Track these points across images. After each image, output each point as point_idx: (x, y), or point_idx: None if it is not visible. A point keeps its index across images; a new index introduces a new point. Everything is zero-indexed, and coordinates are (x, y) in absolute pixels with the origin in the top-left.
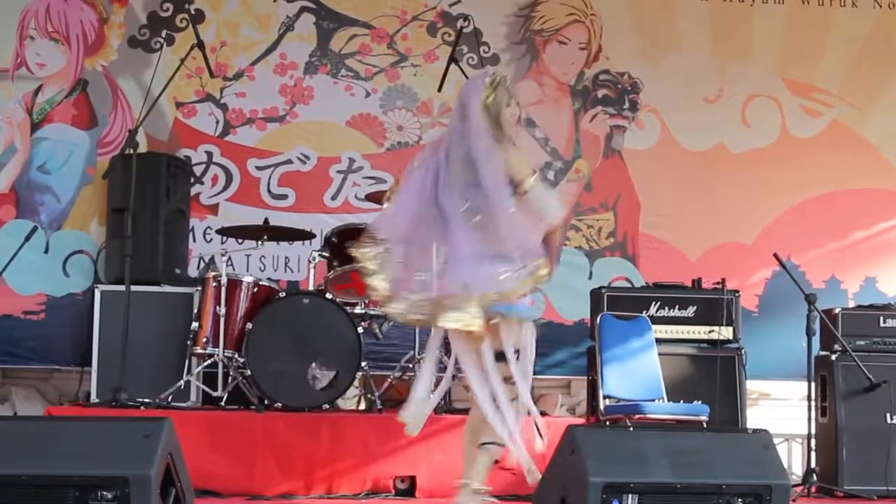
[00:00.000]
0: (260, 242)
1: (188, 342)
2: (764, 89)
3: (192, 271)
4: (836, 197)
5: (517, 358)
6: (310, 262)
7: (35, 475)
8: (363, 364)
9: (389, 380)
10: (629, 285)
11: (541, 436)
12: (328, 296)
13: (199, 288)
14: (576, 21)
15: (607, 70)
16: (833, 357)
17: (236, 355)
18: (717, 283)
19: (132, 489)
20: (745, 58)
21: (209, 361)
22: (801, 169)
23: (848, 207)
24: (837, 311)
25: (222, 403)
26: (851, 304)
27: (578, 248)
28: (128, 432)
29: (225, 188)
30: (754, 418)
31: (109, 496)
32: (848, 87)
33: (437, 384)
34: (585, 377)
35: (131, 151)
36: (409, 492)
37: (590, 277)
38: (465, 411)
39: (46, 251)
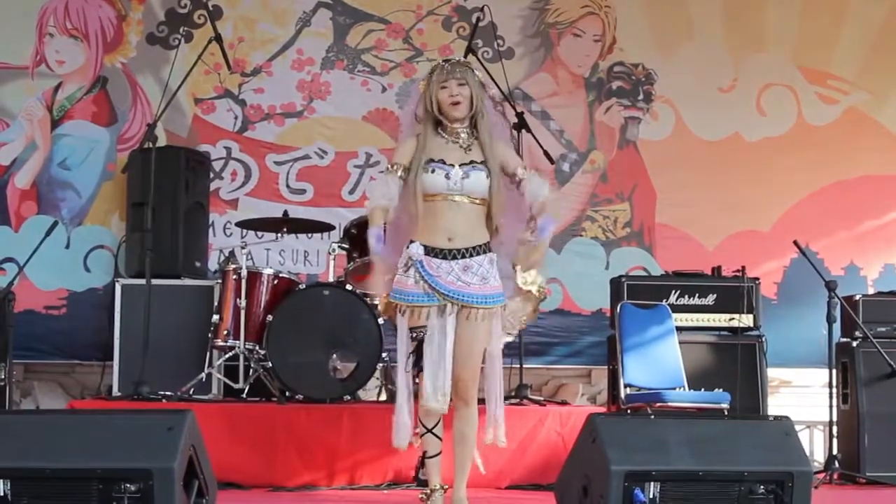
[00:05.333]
0: (279, 235)
1: (209, 335)
2: (779, 77)
3: (213, 265)
4: (854, 184)
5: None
6: (329, 254)
7: (59, 469)
8: (384, 355)
9: None
10: (646, 275)
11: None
12: (348, 287)
13: (220, 281)
14: (590, 13)
15: (622, 62)
16: (854, 344)
17: (257, 347)
18: (738, 270)
19: (155, 482)
20: (759, 46)
21: (230, 354)
22: (818, 156)
23: (865, 194)
24: (858, 297)
25: (244, 396)
26: (871, 291)
27: (595, 239)
28: (150, 425)
29: (244, 183)
30: (775, 406)
31: (133, 489)
32: (864, 74)
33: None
34: (606, 366)
35: (150, 146)
36: None
37: (606, 268)
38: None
39: (67, 247)
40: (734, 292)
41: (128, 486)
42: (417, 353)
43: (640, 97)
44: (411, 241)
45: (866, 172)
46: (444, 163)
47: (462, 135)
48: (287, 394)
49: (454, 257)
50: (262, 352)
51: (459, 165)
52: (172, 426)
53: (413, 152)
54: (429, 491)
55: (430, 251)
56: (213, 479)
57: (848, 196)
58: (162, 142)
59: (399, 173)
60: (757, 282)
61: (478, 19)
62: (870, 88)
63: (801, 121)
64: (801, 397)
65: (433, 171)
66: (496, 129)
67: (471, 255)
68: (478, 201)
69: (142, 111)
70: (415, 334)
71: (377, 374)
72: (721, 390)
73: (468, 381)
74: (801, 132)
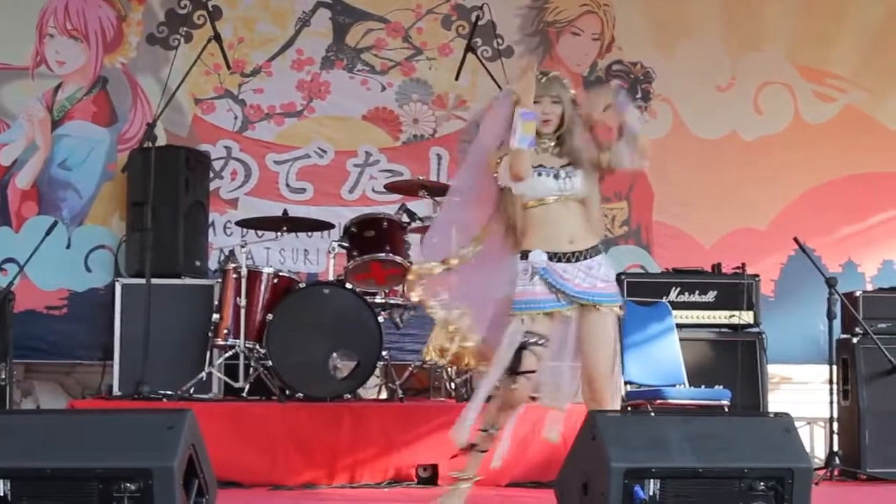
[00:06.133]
0: (279, 234)
1: (209, 334)
2: (776, 76)
3: (213, 265)
4: (851, 181)
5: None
6: (329, 252)
7: (59, 468)
8: (384, 353)
9: (410, 369)
10: (646, 272)
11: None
12: (348, 286)
13: (220, 280)
14: (589, 12)
15: (620, 60)
16: (854, 340)
17: (257, 346)
18: (737, 267)
19: (155, 481)
20: (757, 45)
21: (230, 353)
22: (815, 154)
23: (863, 191)
24: (858, 294)
25: (244, 394)
26: (869, 288)
27: None
28: (150, 424)
29: (244, 183)
30: (776, 402)
31: (133, 488)
32: (862, 73)
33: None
34: None
35: (150, 145)
36: (432, 480)
37: None
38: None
39: (68, 247)
40: (734, 289)
41: (128, 485)
42: (516, 361)
43: (639, 95)
44: (526, 252)
45: (863, 170)
46: (545, 167)
47: (551, 143)
48: (287, 392)
49: (577, 259)
50: (263, 350)
51: (562, 167)
52: (172, 425)
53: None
54: (460, 475)
55: (553, 256)
56: (213, 478)
57: (845, 194)
58: (162, 142)
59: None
60: (757, 279)
61: (477, 18)
62: (868, 87)
63: (798, 119)
64: (802, 394)
65: (539, 175)
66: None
67: (591, 256)
68: (582, 201)
69: (142, 111)
70: (529, 339)
71: (377, 372)
72: (721, 387)
73: (603, 382)
74: (798, 130)
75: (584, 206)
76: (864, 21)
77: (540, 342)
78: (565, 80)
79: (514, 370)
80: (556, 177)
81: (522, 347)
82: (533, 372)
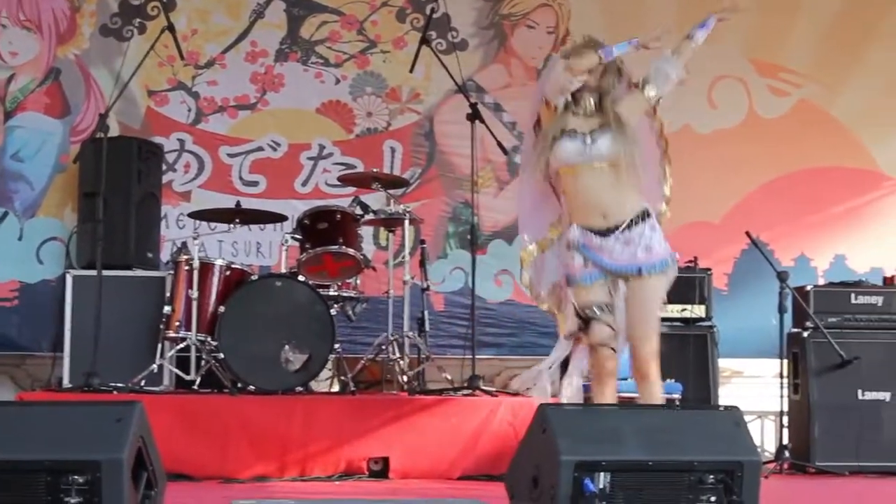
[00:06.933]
0: (232, 226)
1: (160, 326)
2: (731, 70)
3: (165, 257)
4: (805, 175)
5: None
6: (282, 245)
7: (6, 460)
8: (336, 346)
9: (363, 361)
10: None
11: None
12: (301, 278)
13: (172, 272)
14: (543, 5)
15: None
16: (805, 334)
17: (209, 339)
18: (690, 261)
19: (104, 473)
20: (712, 39)
21: (182, 345)
22: (769, 148)
23: (816, 186)
24: (809, 288)
25: (195, 387)
26: (821, 282)
27: None
28: (99, 416)
29: (197, 175)
30: (727, 396)
31: (81, 480)
32: (816, 67)
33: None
34: None
35: (102, 136)
36: (383, 473)
37: None
38: (438, 392)
39: (20, 238)
40: (686, 283)
41: (76, 478)
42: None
43: None
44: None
45: (817, 164)
46: (576, 131)
47: (590, 106)
48: (239, 385)
49: (612, 233)
50: (214, 343)
51: (590, 132)
52: (121, 417)
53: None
54: None
55: (589, 231)
56: (162, 470)
57: (798, 188)
58: (115, 133)
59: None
60: (709, 272)
61: (432, 10)
62: (821, 81)
63: (752, 113)
64: (753, 388)
65: (567, 139)
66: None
67: (630, 228)
68: (615, 165)
69: (95, 103)
70: (585, 313)
71: (329, 365)
72: (673, 381)
73: (647, 355)
74: (752, 124)
75: (616, 170)
76: (817, 15)
77: (604, 311)
78: (600, 40)
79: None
80: (583, 141)
81: (589, 319)
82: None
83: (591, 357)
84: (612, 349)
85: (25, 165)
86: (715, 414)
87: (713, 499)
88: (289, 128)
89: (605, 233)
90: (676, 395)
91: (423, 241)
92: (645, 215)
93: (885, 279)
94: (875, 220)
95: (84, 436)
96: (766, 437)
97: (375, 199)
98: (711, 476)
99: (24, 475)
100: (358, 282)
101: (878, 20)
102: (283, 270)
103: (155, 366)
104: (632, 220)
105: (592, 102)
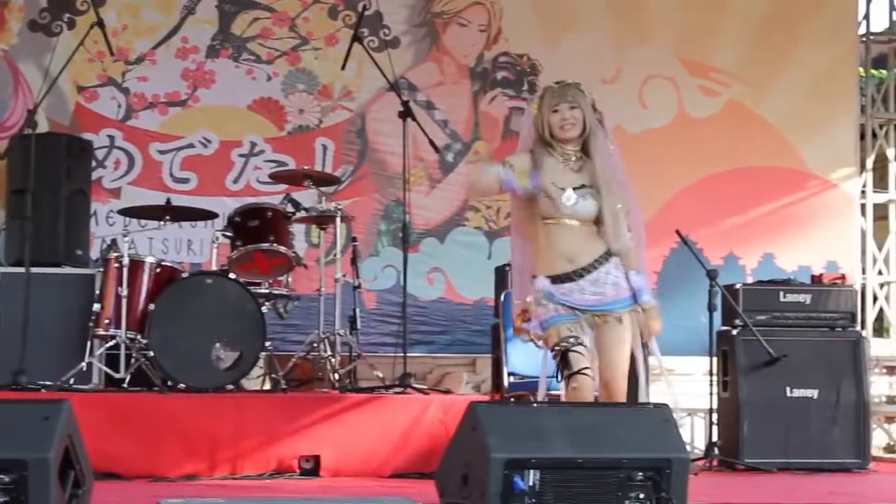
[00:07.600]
0: (162, 223)
1: (90, 324)
2: (661, 70)
3: (95, 254)
4: (734, 175)
5: None
6: (213, 242)
7: None
8: (267, 344)
9: (294, 360)
10: None
11: None
12: (232, 276)
13: (101, 269)
14: (476, 3)
15: (507, 52)
16: (734, 332)
17: (139, 336)
18: None
19: (30, 472)
20: (643, 39)
21: (111, 343)
22: (698, 148)
23: (745, 185)
24: (738, 286)
25: (125, 385)
26: (750, 280)
27: (478, 229)
28: (26, 415)
29: (127, 172)
30: (657, 394)
31: (7, 479)
32: (745, 67)
33: None
34: (490, 355)
35: (30, 132)
36: (314, 471)
37: (489, 257)
38: (370, 390)
39: None
40: None
41: (2, 476)
42: (563, 363)
43: (525, 87)
44: (534, 277)
45: (746, 164)
46: (556, 186)
47: (573, 157)
48: (169, 383)
49: (580, 276)
50: (144, 341)
51: (573, 189)
52: (48, 416)
53: (528, 165)
54: None
55: (556, 279)
56: (89, 469)
57: (727, 187)
58: (44, 129)
59: (511, 171)
60: None
61: (364, 8)
62: (750, 81)
63: (682, 112)
64: (684, 385)
65: (548, 192)
66: (612, 160)
67: (595, 269)
68: (589, 222)
69: (24, 99)
70: (561, 346)
71: (260, 363)
72: None
73: (619, 390)
74: (681, 124)
75: (594, 224)
76: (745, 15)
77: (579, 343)
78: (581, 86)
79: (568, 373)
80: (567, 198)
81: (566, 352)
82: (588, 368)
83: (566, 389)
84: (591, 377)
85: None
86: (644, 411)
87: (642, 496)
88: (220, 124)
89: (571, 276)
90: None
91: (354, 239)
92: (608, 255)
93: (813, 277)
94: (803, 218)
95: (11, 434)
96: (697, 434)
97: (307, 196)
98: (640, 473)
99: None
100: (289, 279)
101: (805, 21)
102: (214, 268)
103: (84, 364)
104: (597, 261)
105: (576, 156)
